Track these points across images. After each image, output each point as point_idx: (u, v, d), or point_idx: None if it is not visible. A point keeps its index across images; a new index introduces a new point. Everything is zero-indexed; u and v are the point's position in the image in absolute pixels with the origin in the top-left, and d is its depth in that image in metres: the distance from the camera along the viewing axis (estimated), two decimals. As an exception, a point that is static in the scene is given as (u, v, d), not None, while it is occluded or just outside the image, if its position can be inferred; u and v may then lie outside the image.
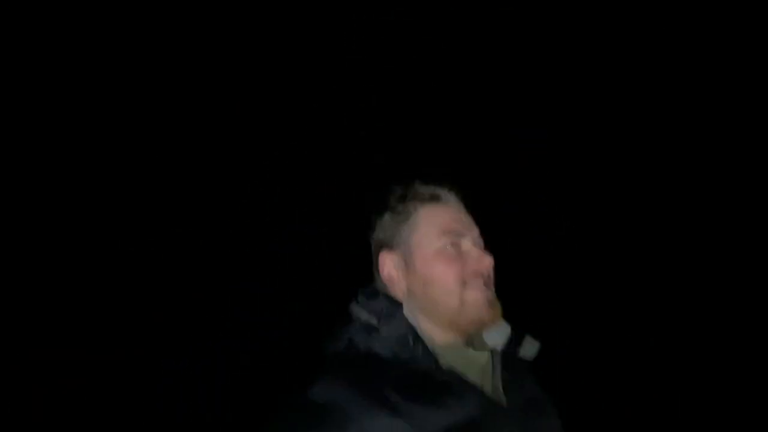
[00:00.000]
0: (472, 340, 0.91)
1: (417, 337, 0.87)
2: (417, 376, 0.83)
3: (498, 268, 1.00)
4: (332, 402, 0.77)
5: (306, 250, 4.04)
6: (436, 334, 0.91)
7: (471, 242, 0.95)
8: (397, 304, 0.92)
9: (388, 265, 0.97)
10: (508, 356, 0.95)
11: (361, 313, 0.93)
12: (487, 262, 0.92)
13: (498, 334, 0.94)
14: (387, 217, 1.00)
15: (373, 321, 0.91)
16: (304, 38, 3.82)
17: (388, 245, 0.99)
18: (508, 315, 1.00)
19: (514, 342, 0.96)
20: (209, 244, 4.14)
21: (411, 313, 0.93)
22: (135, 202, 4.04)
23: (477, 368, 0.88)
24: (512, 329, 0.96)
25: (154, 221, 4.14)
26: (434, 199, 0.99)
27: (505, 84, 4.08)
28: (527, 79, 4.21)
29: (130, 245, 4.03)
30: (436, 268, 0.91)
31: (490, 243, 1.02)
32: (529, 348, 0.96)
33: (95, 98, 3.25)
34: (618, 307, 3.97)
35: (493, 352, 0.94)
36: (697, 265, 4.08)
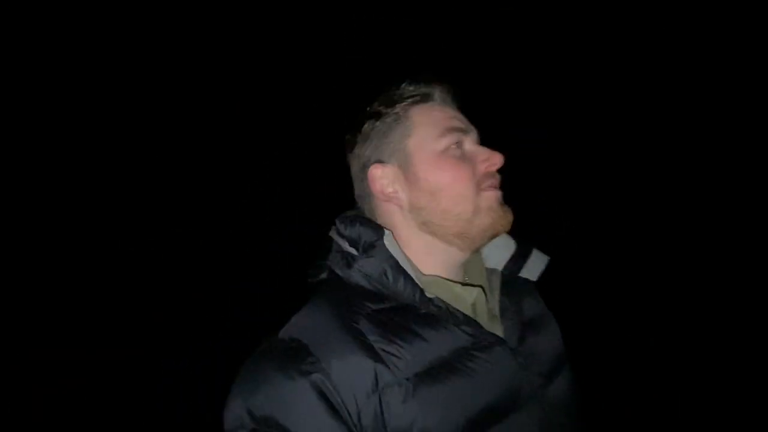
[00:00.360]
0: (475, 249, 0.83)
1: (399, 269, 0.78)
2: (397, 309, 0.76)
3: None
4: (296, 341, 0.72)
5: (306, 250, 4.04)
6: (423, 261, 0.83)
7: (473, 141, 0.86)
8: (378, 232, 0.82)
9: (381, 180, 0.85)
10: (510, 276, 0.89)
11: (339, 241, 0.84)
12: (497, 158, 0.83)
13: (499, 251, 0.89)
14: (372, 126, 0.87)
15: (352, 251, 0.82)
16: (304, 38, 3.82)
17: (377, 158, 0.86)
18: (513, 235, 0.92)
19: (517, 259, 0.90)
20: (209, 244, 4.13)
21: (400, 236, 0.84)
22: (135, 202, 4.04)
23: (465, 302, 0.81)
24: (518, 245, 0.90)
25: (154, 221, 4.13)
26: (426, 97, 0.87)
27: (505, 84, 4.08)
28: (527, 79, 4.21)
29: (130, 245, 4.03)
30: (445, 173, 0.81)
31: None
32: (535, 265, 0.90)
33: (95, 98, 3.24)
34: (618, 307, 3.97)
35: (493, 272, 0.89)
36: (696, 264, 4.08)
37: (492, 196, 0.81)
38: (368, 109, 0.89)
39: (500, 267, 0.89)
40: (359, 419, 0.67)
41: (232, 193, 4.13)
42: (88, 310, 3.77)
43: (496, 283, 0.87)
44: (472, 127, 0.86)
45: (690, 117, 4.17)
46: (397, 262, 0.78)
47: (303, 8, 3.72)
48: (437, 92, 0.87)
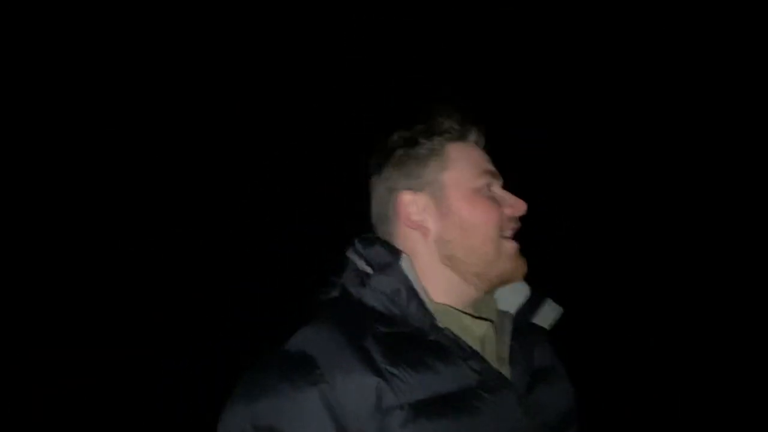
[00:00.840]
0: (490, 292, 0.84)
1: (412, 292, 0.77)
2: (406, 333, 0.75)
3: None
4: (303, 353, 0.71)
5: (306, 250, 4.03)
6: (437, 292, 0.82)
7: (501, 185, 0.87)
8: (395, 254, 0.82)
9: (410, 207, 0.85)
10: (522, 322, 0.88)
11: (356, 260, 0.84)
12: (522, 206, 0.84)
13: (513, 294, 0.89)
14: (407, 154, 0.87)
15: (368, 269, 0.82)
16: (304, 39, 3.82)
17: (408, 186, 0.86)
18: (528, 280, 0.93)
19: (530, 306, 0.89)
20: (209, 244, 4.13)
21: (419, 263, 0.83)
22: (135, 203, 4.04)
23: (474, 336, 0.80)
24: (532, 292, 0.90)
25: (154, 221, 4.13)
26: (464, 136, 0.88)
27: (505, 84, 4.08)
28: (527, 80, 4.20)
29: (130, 245, 4.03)
30: (478, 211, 0.82)
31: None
32: (548, 314, 0.89)
33: (95, 98, 3.24)
34: (618, 307, 3.97)
35: (505, 315, 0.87)
36: (695, 263, 4.08)
37: (512, 244, 0.83)
38: (399, 134, 0.89)
39: (513, 311, 0.88)
40: None
41: (232, 193, 4.13)
42: (88, 310, 3.77)
43: (508, 326, 0.85)
44: (498, 173, 0.87)
45: (690, 117, 4.18)
46: (411, 285, 0.78)
47: (304, 8, 3.72)
48: (474, 132, 0.89)
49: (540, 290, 0.91)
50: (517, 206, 0.84)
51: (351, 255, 0.85)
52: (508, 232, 0.83)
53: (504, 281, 0.83)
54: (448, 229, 0.83)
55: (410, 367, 0.71)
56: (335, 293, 0.83)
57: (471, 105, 0.91)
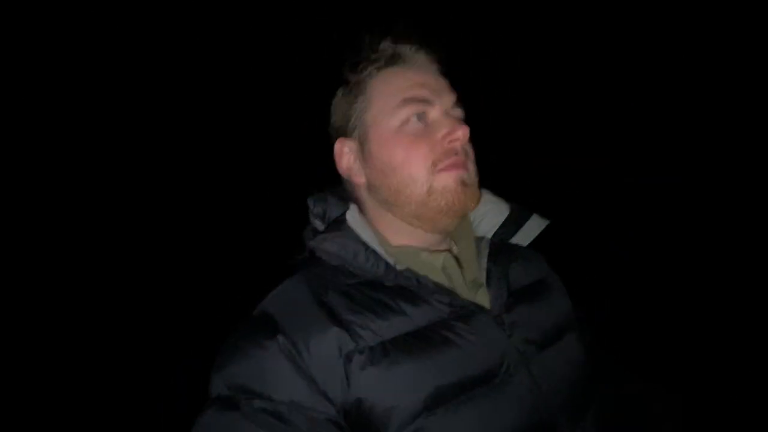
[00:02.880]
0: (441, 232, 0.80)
1: (360, 245, 0.77)
2: (368, 281, 0.76)
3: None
4: (264, 313, 0.74)
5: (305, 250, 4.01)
6: (394, 235, 0.81)
7: (441, 111, 0.78)
8: (342, 206, 0.82)
9: (345, 154, 0.83)
10: (502, 243, 0.87)
11: (311, 218, 0.85)
12: (459, 133, 0.76)
13: (491, 217, 0.86)
14: (340, 95, 0.83)
15: (319, 225, 0.83)
16: (304, 39, 3.82)
17: (342, 132, 0.83)
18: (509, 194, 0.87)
19: (515, 224, 0.86)
20: (210, 244, 4.13)
21: (367, 211, 0.82)
22: (135, 203, 4.05)
23: (437, 270, 0.79)
24: (512, 211, 0.86)
25: (155, 222, 4.14)
26: (393, 60, 0.80)
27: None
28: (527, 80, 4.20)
29: (131, 245, 4.03)
30: (397, 152, 0.76)
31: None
32: (530, 230, 0.87)
33: (95, 98, 3.25)
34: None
35: (482, 239, 0.86)
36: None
37: (449, 176, 0.76)
38: (342, 70, 0.83)
39: (490, 234, 0.87)
40: (326, 387, 0.68)
41: (232, 194, 4.12)
42: (88, 310, 3.78)
43: (484, 250, 0.84)
44: (444, 93, 0.79)
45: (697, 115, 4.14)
46: (358, 237, 0.77)
47: (305, 8, 3.72)
48: (405, 53, 0.80)
49: (523, 208, 0.88)
50: (452, 134, 0.76)
51: (309, 213, 0.85)
52: (446, 164, 0.76)
53: (450, 217, 0.77)
54: (374, 175, 0.80)
55: (371, 312, 0.72)
56: (306, 253, 0.84)
57: (412, 21, 0.81)
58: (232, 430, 0.66)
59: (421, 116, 0.77)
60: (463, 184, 0.77)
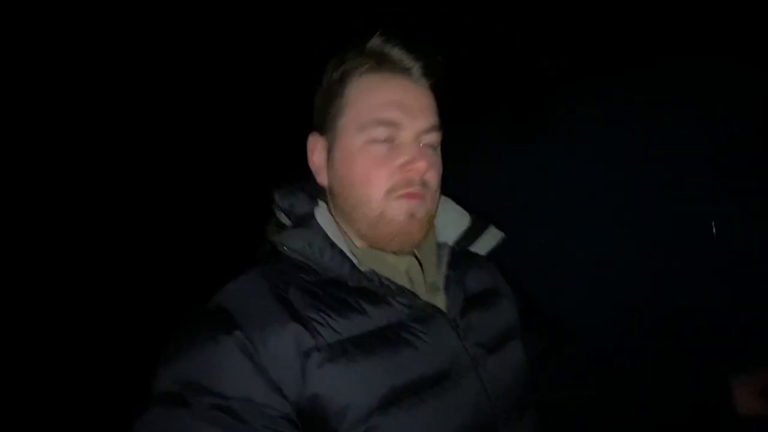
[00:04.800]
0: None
1: (327, 242, 0.75)
2: (330, 279, 0.75)
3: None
4: (219, 307, 0.71)
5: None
6: (358, 236, 0.80)
7: (411, 135, 0.75)
8: (311, 202, 0.80)
9: (313, 150, 0.82)
10: (461, 250, 0.88)
11: (276, 212, 0.82)
12: (419, 166, 0.74)
13: (453, 225, 0.87)
14: (322, 88, 0.81)
15: (285, 219, 0.81)
16: (304, 39, 3.82)
17: (318, 126, 0.81)
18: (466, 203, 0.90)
19: (473, 234, 0.88)
20: (209, 245, 4.14)
21: (333, 210, 0.81)
22: (136, 203, 4.06)
23: (400, 272, 0.79)
24: (473, 222, 0.88)
25: (155, 222, 4.15)
26: (378, 65, 0.76)
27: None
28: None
29: (130, 246, 4.05)
30: (357, 170, 0.75)
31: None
32: (487, 241, 0.88)
33: (95, 98, 3.27)
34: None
35: (443, 246, 0.87)
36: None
37: (400, 206, 0.74)
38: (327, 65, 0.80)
39: (451, 241, 0.88)
40: (282, 384, 0.66)
41: (232, 194, 4.14)
42: (88, 309, 3.80)
43: (445, 256, 0.85)
44: (419, 116, 0.76)
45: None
46: (325, 235, 0.76)
47: (302, 10, 3.72)
48: (392, 57, 0.76)
49: (482, 218, 0.89)
50: (411, 164, 0.74)
51: (274, 207, 0.82)
52: (400, 192, 0.74)
53: (396, 243, 0.76)
54: (334, 182, 0.79)
55: (332, 310, 0.71)
56: (267, 246, 0.81)
57: (411, 30, 0.76)
58: (180, 429, 0.63)
59: (390, 138, 0.76)
60: (411, 216, 0.76)
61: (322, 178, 0.82)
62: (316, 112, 0.82)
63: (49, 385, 3.43)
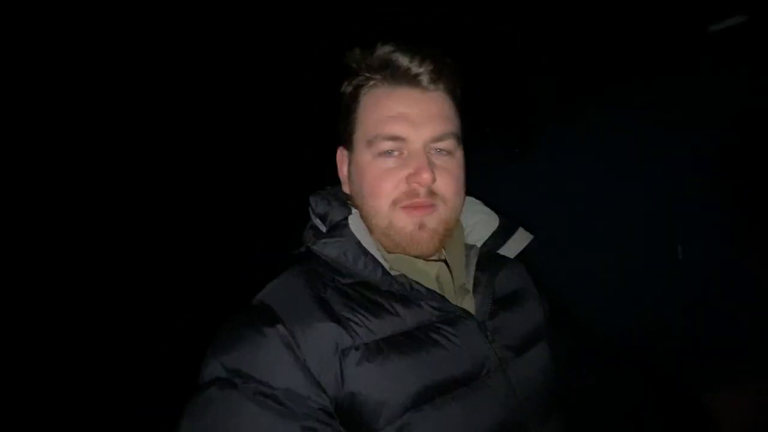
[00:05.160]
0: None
1: (360, 249, 0.78)
2: (361, 283, 0.78)
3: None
4: (263, 304, 0.75)
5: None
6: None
7: (419, 146, 0.78)
8: (344, 211, 0.83)
9: (340, 164, 0.88)
10: (489, 252, 0.90)
11: (313, 217, 0.86)
12: (423, 178, 0.76)
13: (482, 227, 0.89)
14: (339, 104, 0.85)
15: (320, 225, 0.84)
16: (304, 39, 3.82)
17: (342, 139, 0.86)
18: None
19: (503, 236, 0.90)
20: (210, 245, 4.15)
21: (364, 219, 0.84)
22: (136, 204, 4.07)
23: (430, 277, 0.82)
24: (501, 225, 0.91)
25: (155, 223, 4.16)
26: (388, 77, 0.78)
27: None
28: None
29: (130, 246, 4.06)
30: (366, 182, 0.79)
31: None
32: (516, 243, 0.90)
33: (95, 98, 3.27)
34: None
35: (471, 248, 0.89)
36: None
37: (407, 218, 0.78)
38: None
39: (480, 243, 0.90)
40: (321, 379, 0.70)
41: (233, 195, 4.14)
42: (88, 310, 3.80)
43: (473, 258, 0.87)
44: (426, 126, 0.77)
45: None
46: (359, 243, 0.79)
47: (302, 10, 3.72)
48: (399, 66, 0.78)
49: (511, 221, 0.91)
50: (414, 175, 0.77)
51: (311, 212, 0.86)
52: (405, 203, 0.78)
53: (412, 251, 0.80)
54: (353, 194, 0.84)
55: (367, 311, 0.75)
56: (303, 248, 0.86)
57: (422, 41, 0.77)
58: (231, 406, 0.67)
59: (400, 150, 0.78)
60: (420, 227, 0.79)
61: (347, 189, 0.86)
62: (339, 125, 0.86)
63: (48, 385, 3.44)
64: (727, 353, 1.37)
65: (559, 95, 2.37)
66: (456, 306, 0.81)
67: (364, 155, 0.79)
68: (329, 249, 0.79)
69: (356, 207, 0.84)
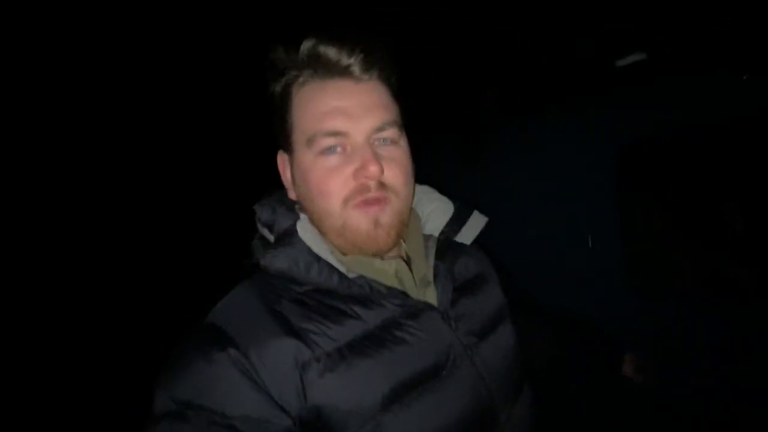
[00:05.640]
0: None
1: (312, 256, 0.74)
2: (317, 290, 0.74)
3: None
4: (212, 325, 0.70)
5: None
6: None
7: (362, 139, 0.73)
8: (292, 216, 0.78)
9: (285, 168, 0.81)
10: (447, 240, 0.88)
11: (259, 227, 0.81)
12: (371, 171, 0.72)
13: (438, 215, 0.88)
14: (270, 101, 0.79)
15: (268, 235, 0.79)
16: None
17: (280, 143, 0.80)
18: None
19: (458, 222, 0.88)
20: (210, 245, 4.14)
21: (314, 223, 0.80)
22: (138, 204, 4.06)
23: (389, 275, 0.79)
24: (456, 211, 0.89)
25: (157, 223, 4.15)
26: (317, 71, 0.74)
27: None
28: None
29: (131, 246, 4.05)
30: (312, 184, 0.74)
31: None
32: (471, 229, 0.88)
33: (95, 98, 3.26)
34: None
35: (429, 238, 0.88)
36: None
37: (361, 215, 0.74)
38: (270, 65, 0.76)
39: (437, 232, 0.88)
40: (282, 398, 0.66)
41: (233, 195, 4.14)
42: (89, 310, 3.80)
43: (432, 249, 0.86)
44: (365, 117, 0.73)
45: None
46: (309, 250, 0.75)
47: (308, 8, 3.70)
48: (327, 58, 0.73)
49: (465, 206, 0.90)
50: (361, 169, 0.72)
51: (257, 222, 0.81)
52: (356, 200, 0.73)
53: (369, 251, 0.76)
54: (300, 197, 0.79)
55: (327, 319, 0.72)
56: (251, 260, 0.79)
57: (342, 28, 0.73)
58: None
59: (342, 145, 0.73)
60: (375, 224, 0.74)
61: (293, 195, 0.81)
62: (275, 128, 0.80)
63: (48, 385, 3.43)
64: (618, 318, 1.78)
65: (504, 108, 2.65)
66: (418, 300, 0.79)
67: (305, 156, 0.74)
68: (279, 261, 0.73)
69: (304, 212, 0.79)
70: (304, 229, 0.77)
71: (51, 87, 3.03)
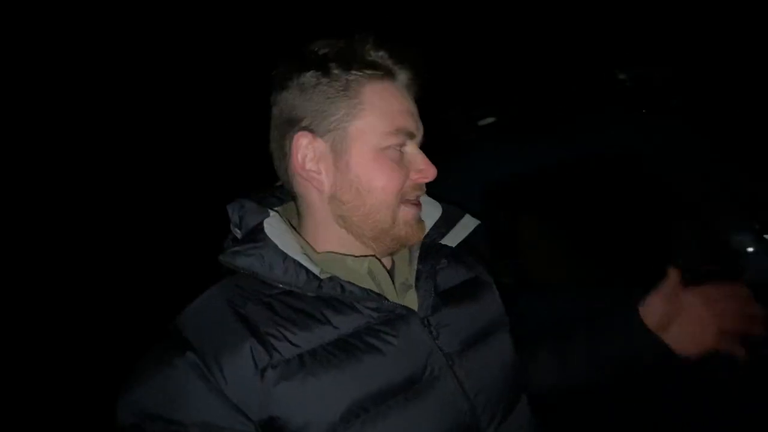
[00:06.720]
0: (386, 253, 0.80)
1: (279, 255, 0.71)
2: (287, 293, 0.71)
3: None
4: (175, 331, 0.68)
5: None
6: (322, 242, 0.78)
7: (416, 143, 0.79)
8: (261, 211, 0.75)
9: (308, 153, 0.76)
10: (432, 244, 0.86)
11: (231, 226, 0.78)
12: (431, 174, 0.78)
13: (426, 219, 0.86)
14: (316, 82, 0.74)
15: (238, 233, 0.77)
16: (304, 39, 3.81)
17: (308, 125, 0.75)
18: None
19: (446, 225, 0.88)
20: (211, 243, 4.14)
21: (303, 216, 0.80)
22: (138, 205, 4.07)
23: (362, 275, 0.76)
24: (444, 214, 0.88)
25: (157, 224, 4.16)
26: (390, 75, 0.77)
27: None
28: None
29: (130, 246, 4.06)
30: (377, 176, 0.74)
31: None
32: (459, 232, 0.88)
33: (95, 98, 3.27)
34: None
35: (412, 246, 0.85)
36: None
37: (410, 212, 0.78)
38: (318, 50, 0.75)
39: (422, 235, 0.84)
40: (243, 404, 0.64)
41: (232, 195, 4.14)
42: (89, 310, 3.80)
43: (415, 252, 0.84)
44: (420, 126, 0.79)
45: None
46: (275, 247, 0.72)
47: (309, 8, 3.70)
48: (404, 74, 0.78)
49: (455, 209, 0.89)
50: (426, 173, 0.78)
51: (231, 222, 0.78)
52: (410, 198, 0.78)
53: (400, 246, 0.79)
54: (344, 189, 0.76)
55: (291, 323, 0.68)
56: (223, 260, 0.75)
57: (409, 45, 0.79)
58: None
59: (402, 147, 0.78)
60: (419, 220, 0.80)
61: (318, 183, 0.77)
62: (302, 109, 0.75)
63: (48, 385, 3.43)
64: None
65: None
66: (395, 303, 0.75)
67: (371, 147, 0.74)
68: (240, 259, 0.71)
69: (336, 203, 0.76)
70: (272, 225, 0.74)
71: (50, 87, 3.04)
